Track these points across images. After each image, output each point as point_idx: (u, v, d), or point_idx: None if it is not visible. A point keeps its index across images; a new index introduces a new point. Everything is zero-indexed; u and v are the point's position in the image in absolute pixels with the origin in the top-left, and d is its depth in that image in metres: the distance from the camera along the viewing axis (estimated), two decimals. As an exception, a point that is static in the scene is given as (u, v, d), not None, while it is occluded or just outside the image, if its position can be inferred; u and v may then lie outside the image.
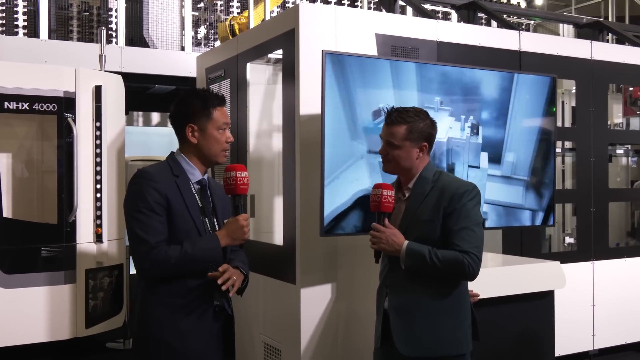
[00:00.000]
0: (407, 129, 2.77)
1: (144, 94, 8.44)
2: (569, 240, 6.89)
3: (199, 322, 2.62)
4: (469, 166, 4.10)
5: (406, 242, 2.72)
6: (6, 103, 5.44)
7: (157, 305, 2.59)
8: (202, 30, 8.29)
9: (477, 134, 4.13)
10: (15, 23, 7.23)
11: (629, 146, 8.17)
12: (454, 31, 4.96)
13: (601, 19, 8.23)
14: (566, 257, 5.45)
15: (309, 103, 4.22)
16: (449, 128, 3.96)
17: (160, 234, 2.54)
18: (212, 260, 2.61)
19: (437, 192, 2.76)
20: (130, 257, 2.60)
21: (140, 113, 11.23)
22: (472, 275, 2.70)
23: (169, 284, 2.57)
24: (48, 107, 5.57)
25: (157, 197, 2.54)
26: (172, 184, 2.60)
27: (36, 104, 5.53)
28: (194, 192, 2.67)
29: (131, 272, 6.28)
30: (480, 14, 6.02)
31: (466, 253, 2.66)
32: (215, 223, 2.76)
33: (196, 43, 8.20)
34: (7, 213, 5.59)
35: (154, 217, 2.53)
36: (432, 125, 2.84)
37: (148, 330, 2.59)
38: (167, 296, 2.58)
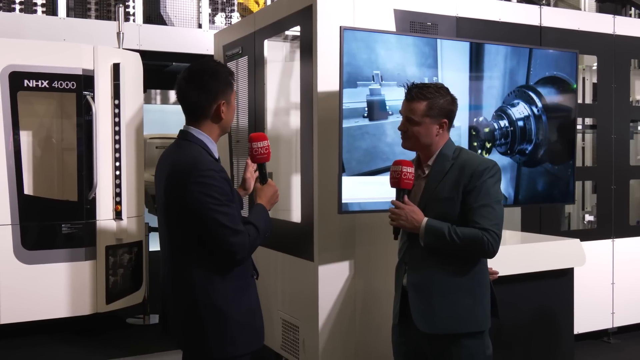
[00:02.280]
0: (427, 105, 2.75)
1: (162, 71, 8.46)
2: (588, 218, 6.84)
3: (257, 297, 2.71)
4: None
5: (425, 219, 2.70)
6: (26, 81, 5.49)
7: (230, 291, 2.59)
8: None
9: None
10: (34, 1, 7.23)
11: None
12: (474, 6, 4.89)
13: (624, -7, 8.08)
14: (586, 234, 5.42)
15: (326, 80, 4.19)
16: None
17: (240, 220, 2.59)
18: (270, 229, 2.72)
19: (457, 169, 2.74)
20: (221, 247, 2.53)
21: (158, 91, 11.27)
22: (492, 253, 2.68)
23: (233, 268, 2.60)
24: (67, 85, 5.61)
25: (228, 187, 2.57)
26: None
27: (55, 82, 5.57)
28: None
29: (150, 249, 6.34)
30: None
31: (486, 230, 2.64)
32: None
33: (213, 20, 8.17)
34: (28, 190, 5.66)
35: (233, 206, 2.56)
36: (453, 102, 2.81)
37: (228, 316, 2.58)
38: (234, 279, 2.60)
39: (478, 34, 4.70)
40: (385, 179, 3.84)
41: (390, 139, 3.90)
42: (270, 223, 2.73)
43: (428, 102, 2.75)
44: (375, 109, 3.88)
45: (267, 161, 2.80)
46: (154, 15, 7.86)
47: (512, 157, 4.31)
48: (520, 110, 4.30)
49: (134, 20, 7.43)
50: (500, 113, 4.25)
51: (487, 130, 4.21)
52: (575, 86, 4.48)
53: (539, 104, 4.34)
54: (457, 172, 2.73)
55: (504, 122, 4.26)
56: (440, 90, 2.79)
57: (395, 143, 3.88)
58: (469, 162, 2.74)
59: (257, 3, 6.94)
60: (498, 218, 2.69)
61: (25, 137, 5.79)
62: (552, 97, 4.40)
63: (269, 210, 2.80)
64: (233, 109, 2.72)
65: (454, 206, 2.71)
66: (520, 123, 4.31)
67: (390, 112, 3.92)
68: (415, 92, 2.77)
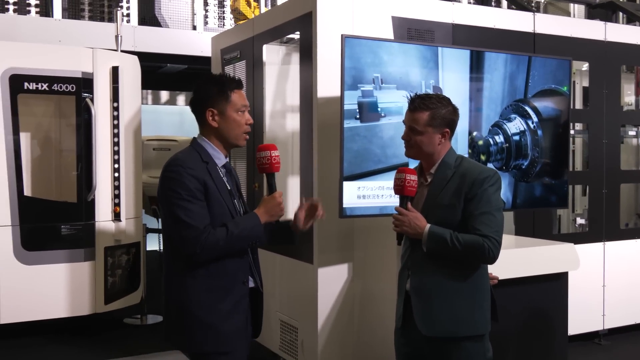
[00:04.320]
0: (429, 115, 2.83)
1: (155, 72, 8.49)
2: (580, 221, 6.95)
3: (237, 301, 2.72)
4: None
5: (428, 225, 2.78)
6: (26, 84, 5.52)
7: (199, 290, 2.65)
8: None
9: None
10: (28, 2, 7.24)
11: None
12: (469, 13, 4.98)
13: (614, -1, 8.19)
14: (577, 238, 5.52)
15: (326, 85, 4.26)
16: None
17: (205, 218, 2.61)
18: (255, 238, 2.72)
19: (458, 177, 2.82)
20: (177, 243, 2.61)
21: (150, 91, 11.28)
22: (492, 259, 2.77)
23: (208, 267, 2.64)
24: (67, 87, 5.66)
25: (196, 184, 2.61)
26: (204, 170, 2.67)
27: (55, 85, 5.61)
28: (222, 176, 2.74)
29: (148, 249, 6.39)
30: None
31: (487, 237, 2.72)
32: (242, 204, 2.86)
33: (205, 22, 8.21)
34: (27, 191, 5.70)
35: (197, 203, 2.60)
36: (454, 112, 2.89)
37: (193, 314, 2.65)
38: (208, 279, 2.66)
39: (473, 41, 4.79)
40: (380, 183, 3.91)
41: (382, 141, 3.93)
42: (255, 231, 2.69)
43: (430, 112, 2.83)
44: (366, 111, 3.92)
45: (273, 172, 2.78)
46: (148, 16, 7.89)
47: (509, 172, 4.39)
48: (516, 125, 4.38)
49: (128, 22, 7.45)
50: (496, 128, 4.33)
51: (480, 143, 4.29)
52: (565, 88, 4.57)
53: (535, 118, 4.42)
54: (458, 180, 2.81)
55: (499, 138, 4.34)
56: (442, 101, 2.87)
57: (387, 145, 3.93)
58: (470, 170, 2.82)
59: (249, 5, 6.97)
60: (498, 225, 2.77)
61: (25, 139, 5.83)
62: (548, 111, 4.49)
63: (270, 221, 2.76)
64: (232, 120, 2.73)
65: (456, 213, 2.79)
66: (516, 138, 4.39)
67: (382, 114, 3.96)
68: (418, 102, 2.85)
